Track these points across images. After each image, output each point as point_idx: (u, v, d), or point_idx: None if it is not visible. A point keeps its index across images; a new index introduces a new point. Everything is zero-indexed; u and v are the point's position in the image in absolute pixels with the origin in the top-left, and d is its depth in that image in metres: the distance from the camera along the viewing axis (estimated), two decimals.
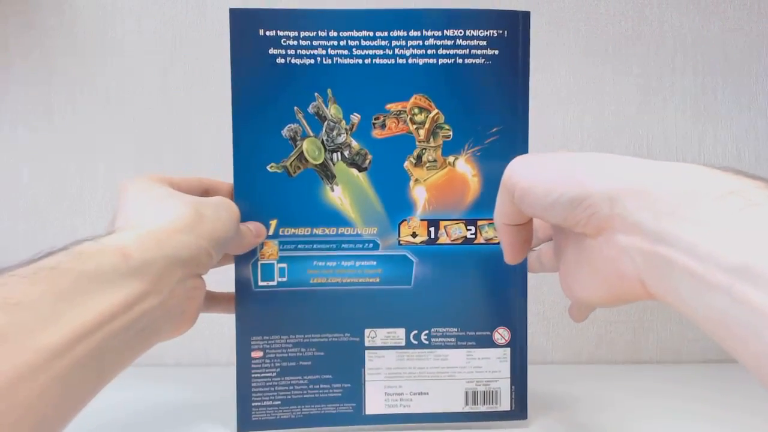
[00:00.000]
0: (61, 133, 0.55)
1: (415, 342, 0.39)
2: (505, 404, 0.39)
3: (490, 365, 0.39)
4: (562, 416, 0.43)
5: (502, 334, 0.39)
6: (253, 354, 0.38)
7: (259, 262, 0.38)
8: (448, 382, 0.39)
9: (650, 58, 0.56)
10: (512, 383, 0.39)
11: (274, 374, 0.38)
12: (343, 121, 0.37)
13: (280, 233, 0.38)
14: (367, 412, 0.39)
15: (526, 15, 0.36)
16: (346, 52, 0.36)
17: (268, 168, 0.37)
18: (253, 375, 0.38)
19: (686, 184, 0.22)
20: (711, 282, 0.20)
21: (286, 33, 0.36)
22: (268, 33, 0.36)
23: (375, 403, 0.39)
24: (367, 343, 0.39)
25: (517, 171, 0.29)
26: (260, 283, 0.38)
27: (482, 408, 0.39)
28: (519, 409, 0.39)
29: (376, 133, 0.37)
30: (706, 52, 0.57)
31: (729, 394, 0.46)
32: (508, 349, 0.39)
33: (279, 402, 0.39)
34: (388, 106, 0.37)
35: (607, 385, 0.49)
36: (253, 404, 0.38)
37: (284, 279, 0.38)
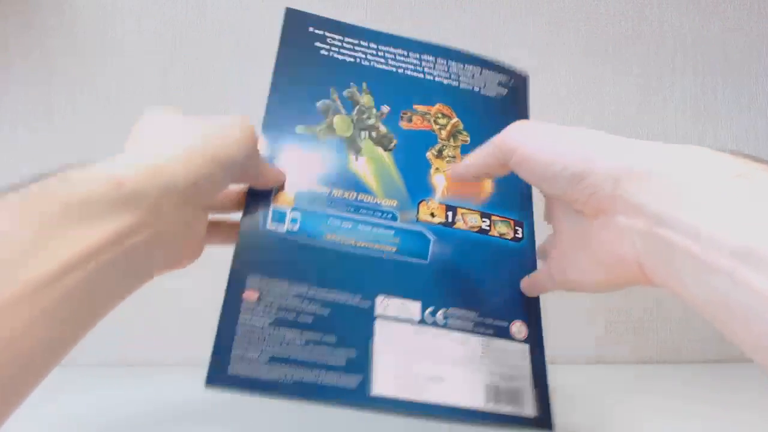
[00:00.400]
0: (61, 133, 0.55)
1: (431, 320, 0.36)
2: (528, 408, 0.35)
3: (510, 359, 0.36)
4: (562, 416, 0.43)
5: (519, 329, 0.37)
6: (246, 294, 0.33)
7: (272, 205, 0.35)
8: (467, 371, 0.34)
9: (650, 58, 0.56)
10: (534, 385, 0.37)
11: (267, 323, 0.32)
12: (374, 109, 0.39)
13: (298, 188, 0.37)
14: (373, 393, 0.32)
15: (525, 76, 0.43)
16: (382, 60, 0.41)
17: (297, 129, 0.37)
18: (240, 318, 0.32)
19: (691, 166, 0.22)
20: (713, 265, 0.20)
21: (332, 35, 0.40)
22: (316, 31, 0.40)
23: (384, 382, 0.33)
24: (378, 311, 0.35)
25: (520, 135, 0.28)
26: (269, 227, 0.35)
27: (506, 408, 0.34)
28: (544, 416, 0.36)
29: (403, 125, 0.39)
30: (706, 52, 0.57)
31: (729, 394, 0.46)
32: (527, 346, 0.37)
33: (267, 358, 0.31)
34: (415, 106, 0.40)
35: (607, 385, 0.49)
36: (233, 353, 0.31)
37: (295, 228, 0.35)
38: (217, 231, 0.36)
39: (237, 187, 0.35)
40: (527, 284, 0.37)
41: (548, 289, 0.36)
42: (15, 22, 0.55)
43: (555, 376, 0.51)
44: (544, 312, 0.54)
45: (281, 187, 0.36)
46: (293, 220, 0.36)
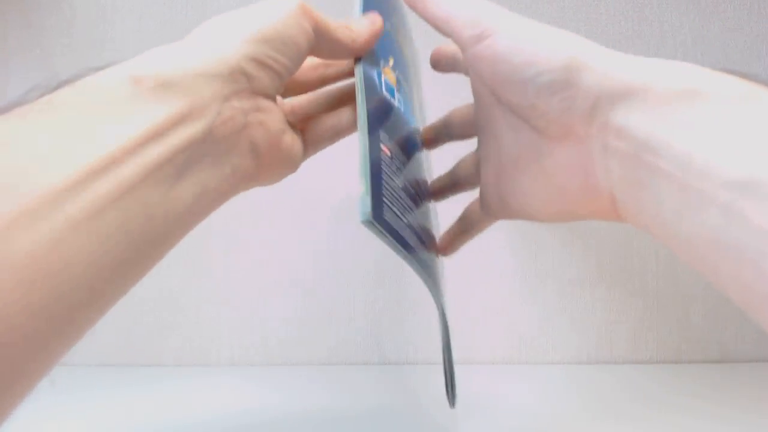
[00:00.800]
0: None
1: None
2: None
3: None
4: (562, 416, 0.43)
5: None
6: (383, 148, 0.29)
7: (383, 75, 0.31)
8: None
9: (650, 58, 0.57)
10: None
11: (399, 185, 0.29)
12: None
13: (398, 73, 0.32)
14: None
15: None
16: None
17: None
18: (383, 170, 0.28)
19: (688, 86, 0.19)
20: (705, 196, 0.17)
21: None
22: None
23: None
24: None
25: (500, 20, 0.23)
26: (384, 93, 0.30)
27: None
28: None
29: None
30: (706, 52, 0.57)
31: (729, 394, 0.46)
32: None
33: (404, 221, 0.28)
34: None
35: (607, 385, 0.49)
36: (385, 201, 0.27)
37: (398, 105, 0.31)
38: (317, 126, 0.30)
39: (319, 69, 0.30)
40: (453, 232, 0.32)
41: (482, 227, 0.32)
42: (14, 22, 0.55)
43: (554, 376, 0.51)
44: (544, 312, 0.53)
45: (388, 61, 0.31)
46: (399, 101, 0.32)
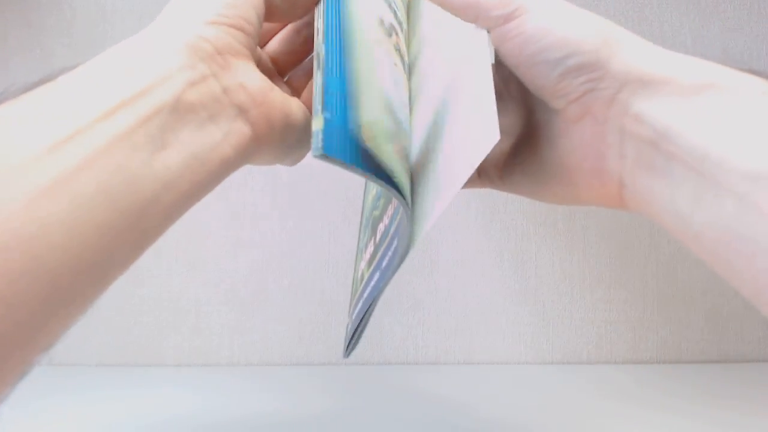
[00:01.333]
0: None
1: None
2: None
3: None
4: (562, 416, 0.43)
5: None
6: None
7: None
8: None
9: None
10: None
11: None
12: None
13: None
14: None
15: None
16: None
17: None
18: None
19: (709, 78, 0.20)
20: (722, 186, 0.17)
21: None
22: None
23: None
24: None
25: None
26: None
27: None
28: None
29: None
30: (706, 52, 0.57)
31: (729, 394, 0.46)
32: None
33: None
34: None
35: (607, 385, 0.49)
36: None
37: None
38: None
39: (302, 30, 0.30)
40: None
41: (469, 186, 0.31)
42: (14, 21, 0.55)
43: (554, 376, 0.51)
44: (544, 312, 0.53)
45: None
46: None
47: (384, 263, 0.27)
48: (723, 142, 0.18)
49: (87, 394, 0.46)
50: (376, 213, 0.32)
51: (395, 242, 0.26)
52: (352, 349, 0.30)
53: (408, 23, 0.33)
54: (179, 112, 0.21)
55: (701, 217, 0.18)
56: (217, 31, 0.23)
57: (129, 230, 0.18)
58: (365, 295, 0.29)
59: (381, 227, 0.30)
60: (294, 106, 0.26)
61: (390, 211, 0.28)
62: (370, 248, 0.31)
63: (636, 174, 0.20)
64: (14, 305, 0.15)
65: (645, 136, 0.20)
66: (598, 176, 0.22)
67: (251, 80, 0.23)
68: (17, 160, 0.16)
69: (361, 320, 0.29)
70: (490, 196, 0.55)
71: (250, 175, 0.54)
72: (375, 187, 0.33)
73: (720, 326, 0.55)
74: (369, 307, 0.28)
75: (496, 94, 0.22)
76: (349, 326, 0.31)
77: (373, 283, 0.28)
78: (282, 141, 0.25)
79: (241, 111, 0.23)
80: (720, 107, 0.18)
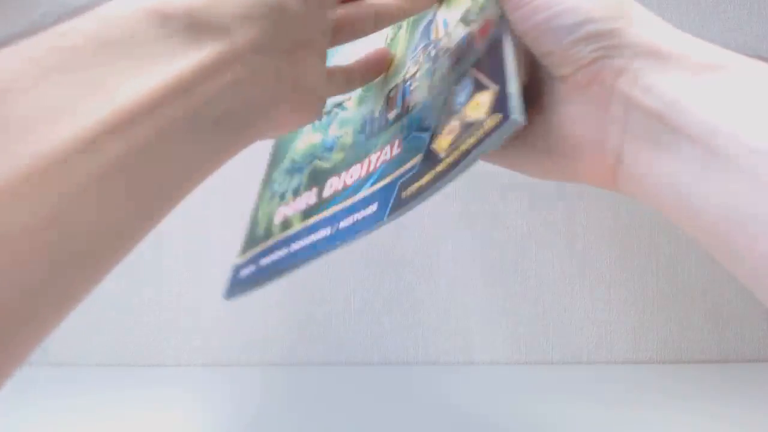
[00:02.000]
0: None
1: None
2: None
3: None
4: (562, 416, 0.43)
5: None
6: None
7: None
8: None
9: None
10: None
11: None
12: None
13: None
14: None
15: None
16: None
17: None
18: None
19: (721, 59, 0.19)
20: (731, 161, 0.17)
21: None
22: None
23: None
24: None
25: None
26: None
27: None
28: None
29: None
30: None
31: (729, 393, 0.46)
32: None
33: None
34: None
35: (607, 385, 0.49)
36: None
37: None
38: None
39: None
40: None
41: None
42: (14, 21, 0.55)
43: (554, 376, 0.51)
44: (544, 312, 0.54)
45: None
46: None
47: (343, 224, 0.26)
48: (734, 118, 0.17)
49: (87, 394, 0.46)
50: (325, 165, 0.31)
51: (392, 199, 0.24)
52: (241, 293, 0.29)
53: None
54: (227, 101, 0.19)
55: (705, 194, 0.18)
56: (298, 3, 0.21)
57: (146, 223, 0.18)
58: (294, 246, 0.28)
59: (337, 182, 0.29)
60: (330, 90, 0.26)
61: (372, 166, 0.27)
62: (309, 199, 0.30)
63: (637, 148, 0.20)
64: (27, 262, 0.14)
65: (653, 108, 0.19)
66: (594, 147, 0.21)
67: (310, 75, 0.22)
68: (53, 152, 0.14)
69: (279, 270, 0.27)
70: (490, 196, 0.55)
71: (250, 175, 0.54)
72: (320, 139, 0.33)
73: (720, 326, 0.55)
74: (299, 260, 0.27)
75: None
76: (250, 269, 0.29)
77: (314, 237, 0.27)
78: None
79: (278, 109, 0.22)
80: (731, 85, 0.18)
